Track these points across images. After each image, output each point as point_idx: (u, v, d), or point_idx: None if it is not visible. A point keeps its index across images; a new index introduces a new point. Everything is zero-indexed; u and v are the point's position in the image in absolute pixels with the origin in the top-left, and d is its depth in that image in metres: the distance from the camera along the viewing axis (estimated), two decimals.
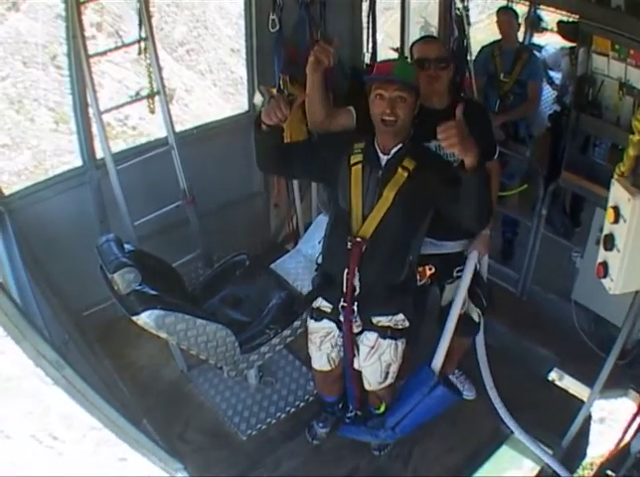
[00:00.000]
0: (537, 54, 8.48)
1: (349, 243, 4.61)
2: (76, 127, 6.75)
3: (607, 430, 5.70)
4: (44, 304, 5.30)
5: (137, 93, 8.27)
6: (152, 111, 6.73)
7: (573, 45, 7.35)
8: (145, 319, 4.97)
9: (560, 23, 7.81)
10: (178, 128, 7.05)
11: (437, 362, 5.35)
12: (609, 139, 6.44)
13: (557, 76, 9.39)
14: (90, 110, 6.45)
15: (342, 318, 4.90)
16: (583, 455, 5.73)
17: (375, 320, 4.90)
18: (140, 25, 6.41)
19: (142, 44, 6.50)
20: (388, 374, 5.15)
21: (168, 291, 5.19)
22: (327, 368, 5.35)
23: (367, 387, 5.35)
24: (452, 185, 4.30)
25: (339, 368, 5.37)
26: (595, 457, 5.87)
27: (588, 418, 5.66)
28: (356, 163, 4.59)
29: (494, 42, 7.95)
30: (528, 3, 8.67)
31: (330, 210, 5.06)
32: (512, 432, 5.99)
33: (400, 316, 4.91)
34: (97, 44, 11.86)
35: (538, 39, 10.34)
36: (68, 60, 6.40)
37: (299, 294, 5.88)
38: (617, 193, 3.89)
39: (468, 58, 7.09)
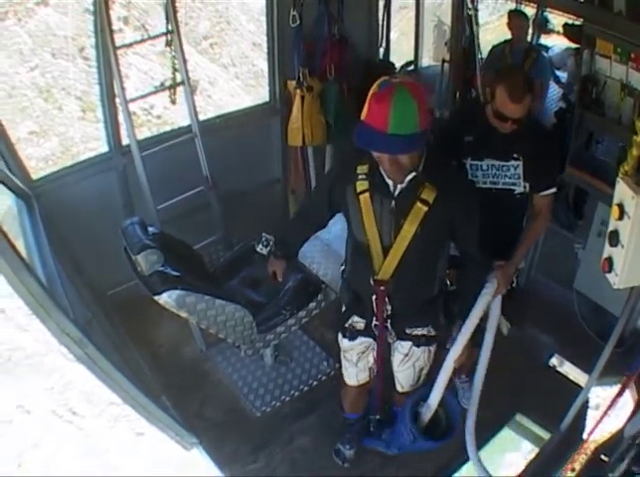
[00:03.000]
0: (544, 53, 8.55)
1: (372, 282, 4.28)
2: (102, 115, 6.77)
3: (599, 416, 5.68)
4: (69, 284, 5.29)
5: (162, 84, 8.26)
6: (173, 102, 6.78)
7: (578, 46, 7.33)
8: (166, 299, 4.99)
9: (565, 25, 7.90)
10: (201, 117, 7.06)
11: (434, 400, 4.72)
12: (611, 137, 6.43)
13: (562, 75, 9.40)
14: (117, 100, 6.46)
15: (376, 332, 4.64)
16: (580, 439, 5.71)
17: (408, 330, 4.62)
18: (167, 19, 6.43)
19: (168, 37, 6.51)
20: (420, 377, 4.96)
21: (189, 272, 5.21)
22: (365, 380, 5.10)
23: (399, 389, 5.10)
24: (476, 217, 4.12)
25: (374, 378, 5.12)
26: (590, 442, 5.85)
27: (586, 404, 5.65)
28: (363, 191, 4.09)
29: (505, 41, 8.03)
30: (535, 6, 8.63)
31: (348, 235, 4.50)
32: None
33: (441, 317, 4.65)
34: (124, 37, 11.84)
35: (545, 39, 10.33)
36: (96, 51, 6.41)
37: (315, 277, 5.96)
38: (622, 191, 3.93)
39: (478, 56, 7.04)
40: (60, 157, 12.73)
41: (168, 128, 9.37)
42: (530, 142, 4.72)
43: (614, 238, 4.00)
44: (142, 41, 8.93)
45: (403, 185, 3.97)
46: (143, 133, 7.60)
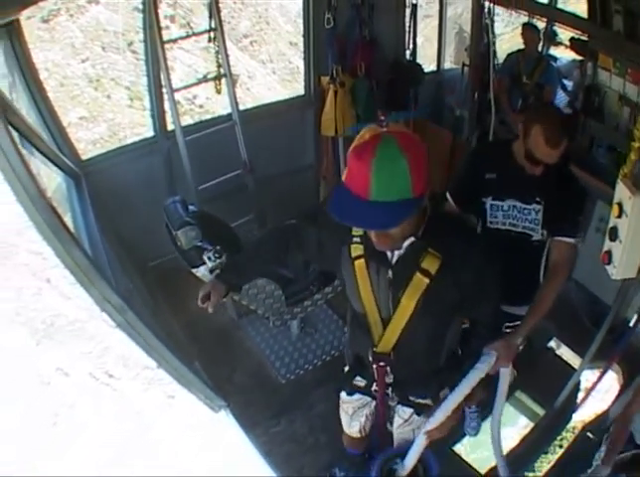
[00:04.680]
0: (553, 63, 8.58)
1: (370, 356, 3.58)
2: (149, 103, 6.91)
3: (589, 399, 5.73)
4: (112, 256, 5.34)
5: (205, 76, 8.34)
6: (218, 92, 6.86)
7: (583, 59, 7.46)
8: (203, 271, 5.04)
9: (572, 39, 7.95)
10: (241, 108, 7.13)
11: (408, 464, 3.99)
12: (609, 142, 6.50)
13: (569, 83, 9.42)
14: (163, 89, 6.60)
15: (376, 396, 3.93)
16: (570, 418, 5.76)
17: (412, 398, 3.85)
18: (210, 17, 6.52)
19: (212, 33, 6.61)
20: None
21: (225, 248, 5.19)
22: (357, 435, 4.53)
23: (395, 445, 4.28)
24: (488, 292, 3.31)
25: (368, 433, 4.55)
26: (578, 421, 5.91)
27: (577, 385, 5.68)
28: (358, 257, 3.26)
29: (518, 50, 8.08)
30: (546, 20, 8.69)
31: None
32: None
33: (442, 392, 3.79)
34: (170, 33, 11.94)
35: (553, 51, 10.36)
36: (144, 46, 6.55)
37: None
38: (621, 191, 4.01)
39: (494, 61, 7.12)
40: (107, 141, 12.88)
41: (209, 117, 9.50)
42: (555, 186, 4.18)
43: (614, 234, 4.08)
44: (187, 36, 9.04)
45: (402, 252, 3.13)
46: (186, 121, 7.65)
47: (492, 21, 7.08)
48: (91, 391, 10.06)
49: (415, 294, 3.16)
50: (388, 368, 3.61)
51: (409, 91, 7.89)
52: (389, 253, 3.15)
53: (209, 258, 5.11)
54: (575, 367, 5.92)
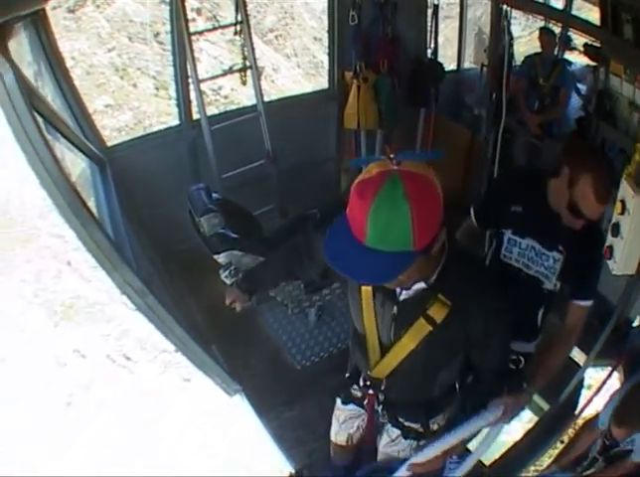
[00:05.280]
0: (568, 67, 8.61)
1: (363, 379, 3.54)
2: (175, 93, 6.99)
3: (590, 396, 5.75)
4: (135, 241, 5.37)
5: (230, 68, 8.39)
6: (244, 83, 6.92)
7: (596, 64, 7.46)
8: (225, 258, 5.07)
9: (586, 45, 7.95)
10: (265, 99, 7.17)
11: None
12: (619, 145, 6.51)
13: (582, 87, 9.44)
14: (189, 79, 6.66)
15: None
16: (572, 414, 5.76)
17: (401, 419, 3.65)
18: (236, 10, 6.56)
19: (238, 26, 6.64)
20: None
21: (247, 235, 5.25)
22: (343, 444, 4.28)
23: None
24: (496, 340, 3.08)
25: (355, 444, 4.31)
26: (580, 418, 5.93)
27: (581, 382, 5.68)
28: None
29: (536, 53, 8.12)
30: (561, 25, 8.71)
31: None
32: None
33: (439, 417, 3.64)
34: (197, 25, 11.96)
35: (568, 55, 10.39)
36: (171, 37, 6.62)
37: None
38: (625, 190, 4.12)
39: (512, 64, 7.15)
40: (133, 128, 12.93)
41: (234, 107, 9.56)
42: (580, 237, 3.73)
43: (616, 230, 4.18)
44: (214, 29, 9.11)
45: (410, 293, 2.90)
46: (211, 111, 7.70)
47: (509, 24, 7.09)
48: (108, 373, 10.12)
49: (417, 337, 2.97)
50: (380, 393, 3.50)
51: (430, 89, 7.92)
52: (397, 290, 2.93)
53: (226, 276, 5.14)
54: (580, 363, 5.94)
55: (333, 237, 2.47)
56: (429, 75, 7.91)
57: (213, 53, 13.66)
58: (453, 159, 7.69)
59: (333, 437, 4.33)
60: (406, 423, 3.61)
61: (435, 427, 3.62)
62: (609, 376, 5.30)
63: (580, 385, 5.77)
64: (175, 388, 9.53)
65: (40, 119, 3.42)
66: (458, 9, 9.48)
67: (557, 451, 5.93)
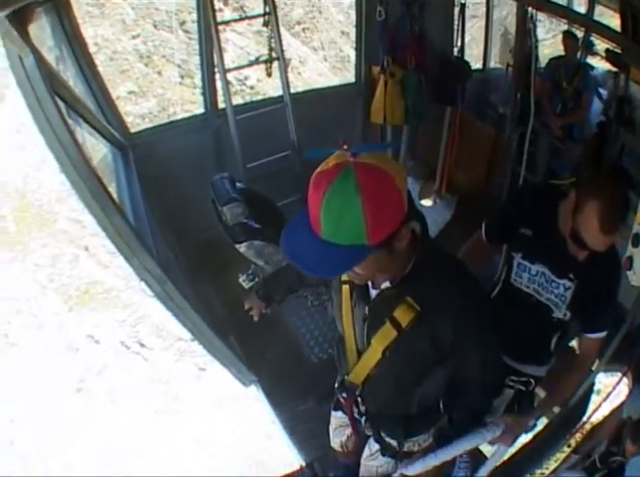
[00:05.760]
0: (590, 72, 8.61)
1: (339, 383, 3.36)
2: (201, 82, 6.97)
3: (599, 401, 5.74)
4: (156, 227, 5.39)
5: (257, 58, 8.39)
6: (269, 74, 6.89)
7: (617, 70, 7.46)
8: (246, 248, 5.07)
9: (607, 50, 7.93)
10: (291, 91, 7.16)
11: None
12: (638, 151, 6.53)
13: (604, 92, 9.44)
14: (216, 69, 6.66)
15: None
16: (581, 418, 5.75)
17: (383, 434, 3.47)
18: (264, 2, 6.52)
19: (266, 17, 6.59)
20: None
21: (269, 226, 5.23)
22: (339, 450, 4.13)
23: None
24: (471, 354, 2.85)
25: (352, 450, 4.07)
26: (588, 422, 5.92)
27: (591, 386, 5.66)
28: (345, 282, 2.90)
29: (559, 57, 8.18)
30: (584, 29, 8.71)
31: None
32: None
33: (420, 437, 3.45)
34: (223, 15, 11.94)
35: (590, 60, 10.40)
36: (197, 26, 6.62)
37: None
38: None
39: (536, 65, 7.16)
40: (156, 116, 12.94)
41: (260, 98, 9.58)
42: (594, 265, 3.50)
43: (636, 240, 3.96)
44: (241, 19, 9.05)
45: (378, 291, 2.76)
46: (237, 100, 7.70)
47: (534, 26, 7.12)
48: (122, 359, 10.16)
49: (383, 342, 2.78)
50: (358, 399, 3.31)
51: (457, 88, 7.91)
52: (370, 289, 2.79)
53: (244, 280, 5.14)
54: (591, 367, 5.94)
55: (294, 228, 2.40)
56: (456, 73, 7.89)
57: (239, 43, 13.67)
58: (477, 157, 7.69)
59: (331, 442, 4.21)
60: (387, 439, 3.47)
61: (415, 448, 3.48)
62: (619, 382, 5.28)
63: (590, 389, 5.77)
64: (189, 376, 9.55)
65: (61, 104, 3.41)
66: (484, 9, 9.48)
67: (563, 455, 5.90)
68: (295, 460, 5.40)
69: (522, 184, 7.09)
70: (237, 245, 5.14)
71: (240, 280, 5.21)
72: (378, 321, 2.75)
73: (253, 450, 8.99)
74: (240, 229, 5.06)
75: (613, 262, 3.61)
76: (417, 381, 2.99)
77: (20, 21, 2.80)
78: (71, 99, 4.17)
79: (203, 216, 5.66)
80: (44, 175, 12.76)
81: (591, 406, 5.55)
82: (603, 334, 3.73)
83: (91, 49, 5.96)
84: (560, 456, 5.96)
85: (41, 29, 4.34)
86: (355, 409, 3.42)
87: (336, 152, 2.22)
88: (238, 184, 5.42)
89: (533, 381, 4.14)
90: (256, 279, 5.05)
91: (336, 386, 3.45)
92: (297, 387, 5.88)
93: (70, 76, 5.21)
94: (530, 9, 6.88)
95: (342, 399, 3.42)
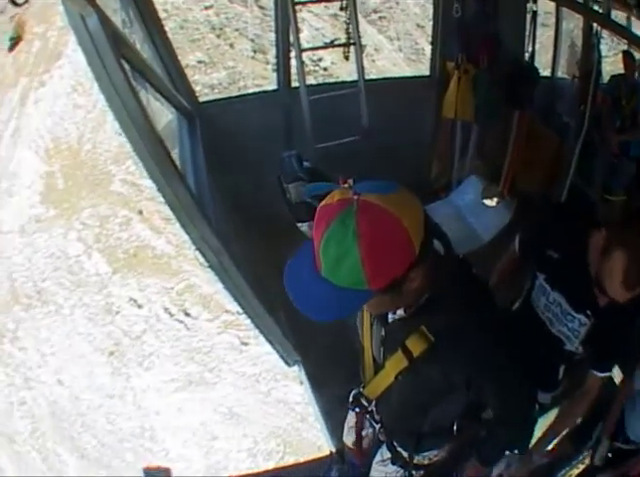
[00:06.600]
0: None
1: (353, 395, 3.34)
2: (276, 59, 7.10)
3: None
4: (218, 199, 5.42)
5: (332, 41, 8.43)
6: (346, 58, 6.99)
7: None
8: (307, 227, 5.07)
9: None
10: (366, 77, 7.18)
11: None
12: None
13: None
14: (291, 47, 6.76)
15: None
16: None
17: (395, 443, 3.48)
18: None
19: (344, 2, 6.68)
20: None
21: None
22: (351, 447, 4.02)
23: None
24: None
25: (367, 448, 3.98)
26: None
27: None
28: None
29: (621, 74, 8.30)
30: None
31: None
32: None
33: (431, 452, 3.47)
34: None
35: None
36: (274, 3, 6.69)
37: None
38: None
39: (599, 80, 7.17)
40: (226, 87, 12.99)
41: (333, 81, 9.61)
42: (613, 311, 3.32)
43: None
44: (319, 1, 9.08)
45: (395, 317, 2.70)
46: (309, 81, 7.77)
47: (598, 41, 7.18)
48: (163, 326, 10.20)
49: (395, 368, 2.73)
50: (371, 410, 3.32)
51: (526, 92, 7.90)
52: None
53: (305, 230, 5.16)
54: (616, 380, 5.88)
55: (302, 255, 2.35)
56: (526, 78, 7.89)
57: (315, 24, 13.66)
58: (540, 164, 7.68)
59: (344, 437, 4.20)
60: (398, 449, 3.46)
61: (426, 462, 3.47)
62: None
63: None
64: (231, 349, 9.57)
65: (126, 66, 3.40)
66: (554, 19, 9.51)
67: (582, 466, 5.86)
68: (326, 446, 5.41)
69: (557, 203, 7.05)
70: (298, 224, 5.14)
71: (302, 229, 5.24)
72: (392, 346, 2.72)
73: (284, 430, 9.03)
74: (303, 207, 5.06)
75: (637, 311, 3.36)
76: (429, 407, 2.97)
77: None
78: (137, 63, 4.15)
79: (265, 191, 5.64)
80: (101, 136, 12.86)
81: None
82: (608, 374, 3.67)
83: (160, 15, 5.99)
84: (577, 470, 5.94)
85: None
86: (369, 417, 3.41)
87: (339, 189, 2.15)
88: (305, 163, 5.43)
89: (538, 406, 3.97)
90: None
91: (352, 395, 3.40)
92: (341, 372, 5.77)
93: (137, 40, 5.22)
94: (595, 25, 6.92)
95: (355, 411, 3.39)
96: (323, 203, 2.16)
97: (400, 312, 2.61)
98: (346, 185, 2.12)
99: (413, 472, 3.51)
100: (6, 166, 13.34)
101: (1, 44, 15.09)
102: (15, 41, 15.22)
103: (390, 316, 2.70)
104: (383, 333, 2.80)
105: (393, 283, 2.17)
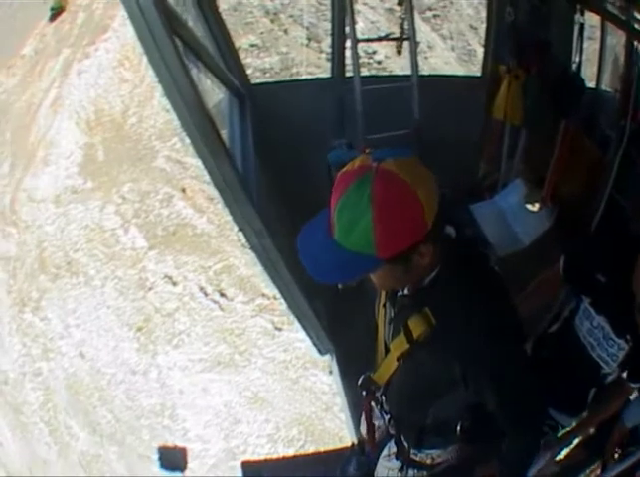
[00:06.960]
0: None
1: (362, 379, 3.26)
2: (330, 48, 7.08)
3: None
4: (263, 181, 5.43)
5: (387, 35, 8.44)
6: (399, 52, 7.04)
7: None
8: None
9: None
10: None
11: None
12: None
13: None
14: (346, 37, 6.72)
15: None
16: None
17: (402, 437, 3.37)
18: None
19: None
20: None
21: None
22: (364, 436, 3.75)
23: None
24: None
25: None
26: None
27: None
28: None
29: None
30: None
31: None
32: None
33: (434, 452, 3.33)
34: None
35: None
36: None
37: (483, 237, 5.74)
38: None
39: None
40: (278, 72, 13.00)
41: (386, 74, 9.62)
42: None
43: None
44: None
45: (401, 295, 2.69)
46: (362, 72, 7.78)
47: (638, 58, 7.02)
48: (196, 305, 10.19)
49: (397, 350, 2.71)
50: (379, 397, 3.25)
51: (573, 102, 7.88)
52: (399, 291, 2.69)
53: None
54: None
55: (315, 226, 2.47)
56: (574, 87, 7.88)
57: (370, 17, 13.62)
58: (582, 175, 7.65)
59: (360, 427, 3.91)
60: (404, 442, 3.35)
61: (429, 461, 3.36)
62: None
63: None
64: (264, 333, 9.57)
65: (179, 42, 3.39)
66: (599, 33, 9.51)
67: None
68: (348, 437, 5.42)
69: (605, 227, 6.97)
70: None
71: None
72: (397, 327, 2.71)
73: (308, 418, 9.02)
74: None
75: None
76: (427, 397, 2.92)
77: None
78: (188, 39, 4.14)
79: (312, 177, 5.68)
80: (147, 111, 12.87)
81: None
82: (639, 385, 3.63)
83: None
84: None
85: None
86: (379, 407, 3.35)
87: (361, 156, 2.19)
88: (355, 152, 5.45)
89: (560, 427, 3.98)
90: None
91: (361, 378, 3.34)
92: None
93: (189, 18, 5.23)
94: (636, 42, 6.88)
95: (363, 395, 3.33)
96: (344, 169, 2.20)
97: (406, 291, 2.61)
98: (367, 151, 2.20)
99: (414, 470, 3.45)
100: (44, 135, 13.39)
101: (42, 14, 15.21)
102: (57, 11, 15.39)
103: (399, 294, 2.68)
104: (392, 314, 2.81)
105: (401, 255, 2.20)
